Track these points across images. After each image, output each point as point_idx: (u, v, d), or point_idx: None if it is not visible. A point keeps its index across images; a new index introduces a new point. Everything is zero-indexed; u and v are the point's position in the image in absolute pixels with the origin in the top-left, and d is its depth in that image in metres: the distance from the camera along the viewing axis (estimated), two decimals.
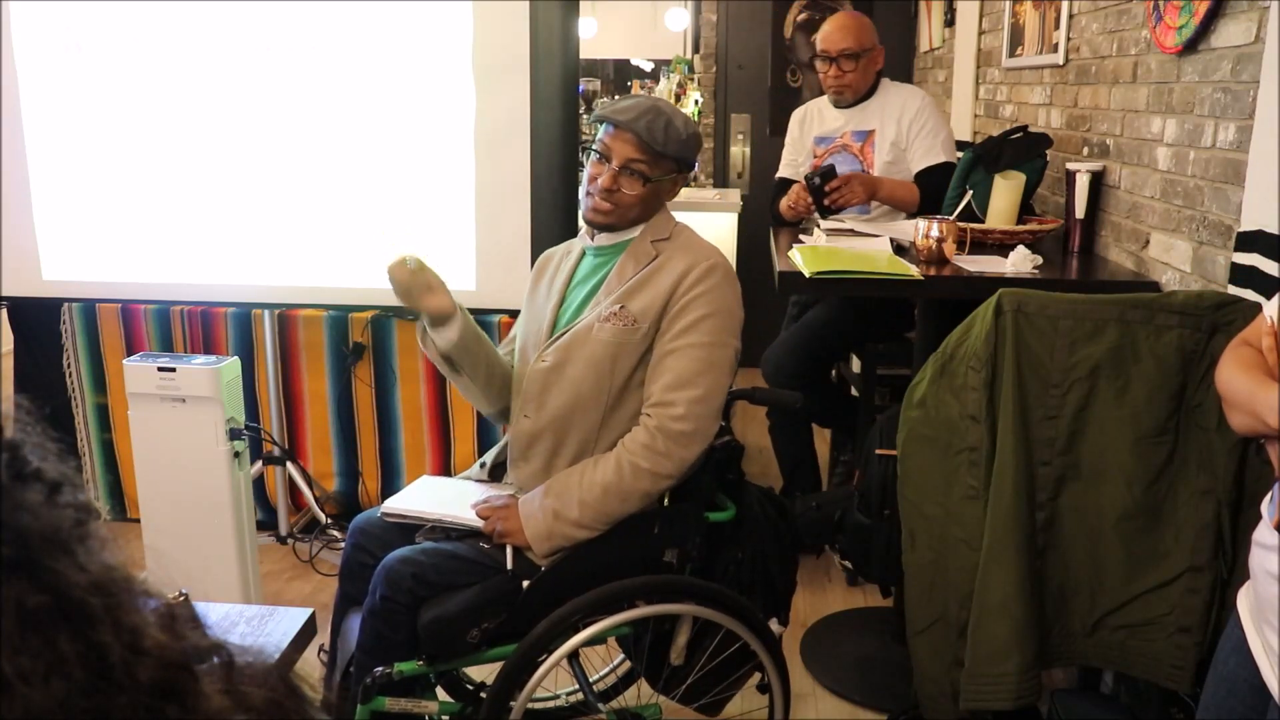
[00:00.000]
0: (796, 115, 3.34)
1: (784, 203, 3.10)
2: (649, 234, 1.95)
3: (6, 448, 0.46)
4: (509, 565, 1.82)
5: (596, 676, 2.27)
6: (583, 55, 4.16)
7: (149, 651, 0.46)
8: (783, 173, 3.34)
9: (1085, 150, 2.75)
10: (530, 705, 1.83)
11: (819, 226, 2.81)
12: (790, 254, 2.51)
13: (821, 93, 3.23)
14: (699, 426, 1.84)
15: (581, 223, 2.04)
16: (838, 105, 3.15)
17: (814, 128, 3.24)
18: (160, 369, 2.52)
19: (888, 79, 3.21)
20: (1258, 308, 1.53)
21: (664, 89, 5.73)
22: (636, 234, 1.96)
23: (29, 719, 0.41)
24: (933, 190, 2.89)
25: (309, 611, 1.45)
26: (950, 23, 4.44)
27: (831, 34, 3.07)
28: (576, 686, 2.15)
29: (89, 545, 0.47)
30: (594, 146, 1.93)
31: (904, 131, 3.04)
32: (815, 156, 3.19)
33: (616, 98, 3.54)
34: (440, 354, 1.97)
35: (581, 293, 1.98)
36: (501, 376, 2.03)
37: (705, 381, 1.84)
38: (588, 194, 1.94)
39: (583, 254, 2.03)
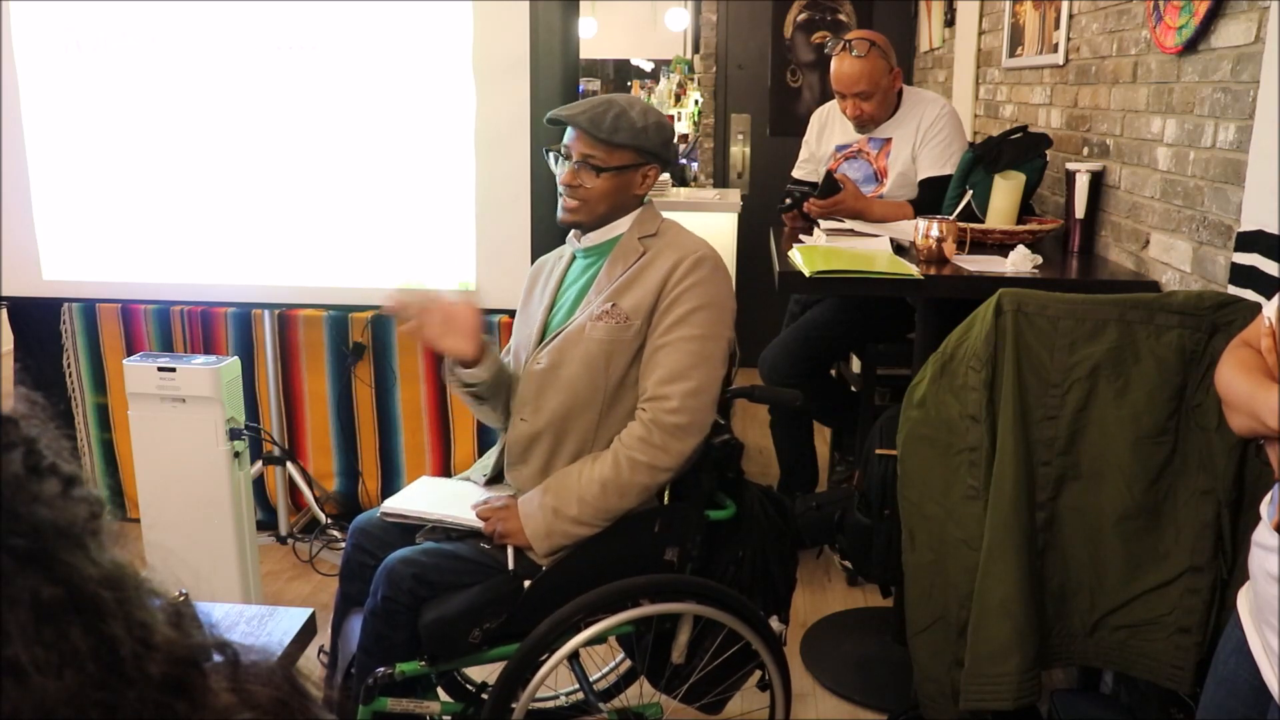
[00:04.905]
0: (818, 116, 3.30)
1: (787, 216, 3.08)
2: (635, 231, 1.96)
3: (23, 441, 0.47)
4: (510, 565, 1.82)
5: (596, 676, 2.27)
6: (583, 55, 4.16)
7: (159, 647, 0.46)
8: (796, 172, 3.33)
9: (1085, 150, 2.75)
10: (531, 705, 1.83)
11: (818, 226, 2.81)
12: (790, 254, 2.52)
13: (831, 96, 3.20)
14: (694, 419, 1.84)
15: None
16: (861, 132, 3.11)
17: (835, 135, 3.19)
18: (160, 369, 2.52)
19: (911, 87, 3.19)
20: (1258, 308, 1.54)
21: (664, 89, 5.73)
22: (623, 232, 1.96)
23: (42, 709, 0.41)
24: (934, 200, 2.88)
25: (309, 611, 1.45)
26: (950, 23, 4.44)
27: (841, 77, 3.00)
28: (576, 686, 2.15)
29: (101, 540, 0.47)
30: (559, 149, 1.95)
31: (919, 139, 3.01)
32: (833, 160, 3.16)
33: None
34: (472, 391, 1.97)
35: (572, 294, 1.99)
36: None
37: (698, 374, 1.85)
38: (559, 196, 1.95)
39: (573, 258, 2.04)
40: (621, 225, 1.96)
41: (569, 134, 1.93)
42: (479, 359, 1.93)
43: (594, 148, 1.89)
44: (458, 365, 1.94)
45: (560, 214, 1.96)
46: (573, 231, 2.03)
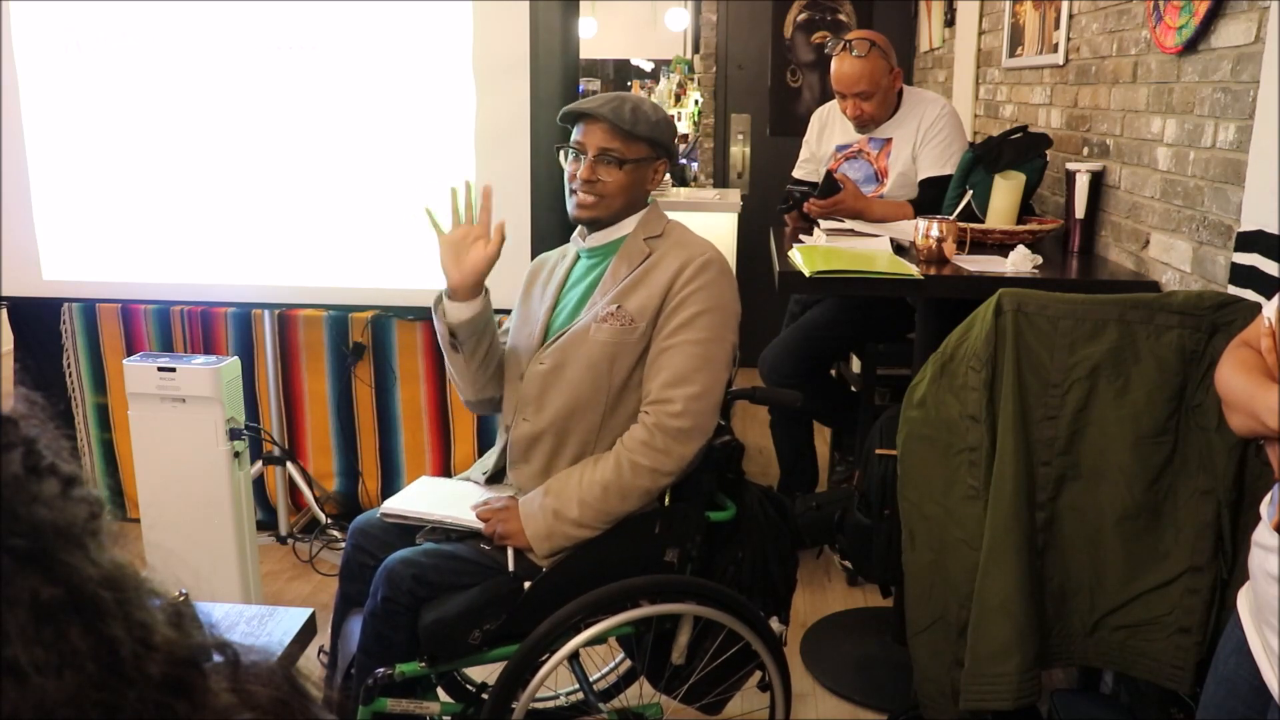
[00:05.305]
0: (818, 116, 3.30)
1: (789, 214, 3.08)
2: (641, 232, 1.95)
3: (23, 441, 0.47)
4: (510, 566, 1.82)
5: (596, 676, 2.27)
6: (583, 55, 4.17)
7: (159, 647, 0.46)
8: (797, 172, 3.33)
9: (1085, 150, 2.75)
10: (531, 705, 1.83)
11: (818, 226, 2.81)
12: (790, 254, 2.52)
13: (831, 96, 3.20)
14: (697, 423, 1.84)
15: (575, 226, 2.04)
16: (861, 132, 3.11)
17: (835, 135, 3.19)
18: (160, 369, 2.52)
19: (911, 87, 3.19)
20: (1258, 308, 1.54)
21: (664, 89, 5.73)
22: (628, 232, 1.96)
23: (42, 710, 0.41)
24: (934, 200, 2.88)
25: (309, 611, 1.45)
26: (950, 23, 4.44)
27: (841, 77, 3.00)
28: (576, 686, 2.15)
29: (100, 540, 0.47)
30: (569, 145, 1.94)
31: (919, 139, 3.01)
32: (834, 160, 3.16)
33: None
34: (448, 327, 1.95)
35: (575, 295, 1.98)
36: (496, 365, 2.03)
37: (703, 378, 1.85)
38: (571, 192, 1.94)
39: (577, 258, 2.04)
40: (627, 226, 1.96)
41: (578, 130, 1.92)
42: (468, 298, 1.93)
43: (614, 140, 1.89)
44: (448, 299, 1.95)
45: (574, 210, 1.94)
46: (578, 230, 2.02)
